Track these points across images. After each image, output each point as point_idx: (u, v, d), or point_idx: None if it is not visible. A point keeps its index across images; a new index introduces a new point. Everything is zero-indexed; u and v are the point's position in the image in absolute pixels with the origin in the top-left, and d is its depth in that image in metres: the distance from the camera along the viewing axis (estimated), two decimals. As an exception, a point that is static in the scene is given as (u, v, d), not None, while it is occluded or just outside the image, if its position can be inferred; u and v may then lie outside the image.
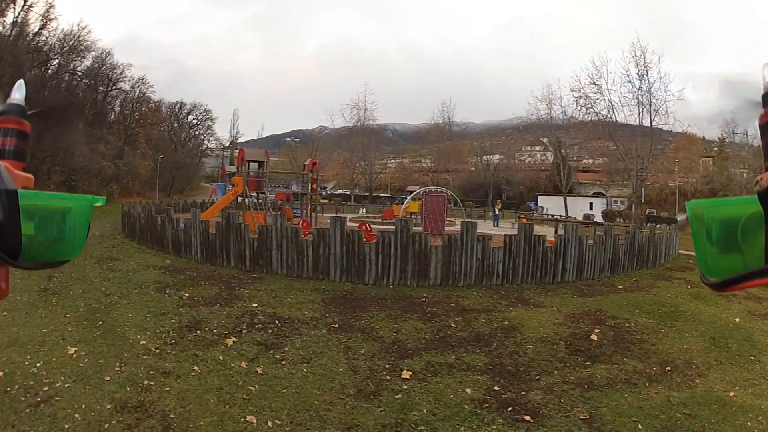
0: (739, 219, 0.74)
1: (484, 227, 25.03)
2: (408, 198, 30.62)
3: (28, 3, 44.90)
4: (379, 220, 31.46)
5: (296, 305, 9.91)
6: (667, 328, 9.26)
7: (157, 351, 7.24)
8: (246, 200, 23.78)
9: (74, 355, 6.90)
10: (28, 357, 6.72)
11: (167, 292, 10.66)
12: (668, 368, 7.16)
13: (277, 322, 8.78)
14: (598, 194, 66.65)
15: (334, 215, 16.43)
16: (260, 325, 8.57)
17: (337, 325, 8.71)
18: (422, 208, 26.15)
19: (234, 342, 7.70)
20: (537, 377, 6.69)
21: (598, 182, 68.15)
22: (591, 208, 59.77)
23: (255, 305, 9.73)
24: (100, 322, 8.48)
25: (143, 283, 11.47)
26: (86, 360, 6.76)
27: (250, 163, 26.17)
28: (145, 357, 6.99)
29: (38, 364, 6.47)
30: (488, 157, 77.70)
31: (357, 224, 20.11)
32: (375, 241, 12.39)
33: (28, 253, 0.75)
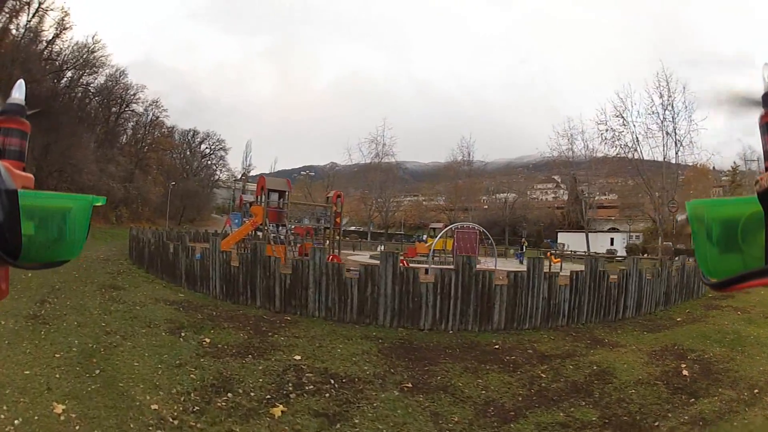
0: (739, 219, 0.76)
1: (509, 265, 26.33)
2: (439, 235, 29.80)
3: (43, 7, 44.58)
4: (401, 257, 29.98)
5: (350, 358, 8.17)
6: (739, 354, 9.27)
7: (176, 423, 5.31)
8: (268, 232, 22.44)
9: (62, 417, 5.22)
10: (5, 408, 5.24)
11: (182, 334, 8.83)
12: (756, 391, 7.31)
13: (332, 381, 6.99)
14: (613, 230, 68.48)
15: (352, 252, 15.69)
16: (311, 386, 6.73)
17: (410, 384, 7.08)
18: (454, 244, 25.89)
19: (283, 412, 5.77)
20: (656, 423, 6.19)
21: (612, 218, 70.29)
22: (612, 244, 61.91)
23: (298, 357, 7.89)
24: (97, 371, 6.70)
25: (152, 321, 9.69)
26: (78, 427, 5.06)
27: (271, 193, 25.08)
28: (158, 432, 5.07)
29: (17, 422, 5.00)
30: (504, 195, 79.75)
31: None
32: (433, 281, 10.98)
33: (28, 253, 0.75)
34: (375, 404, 6.29)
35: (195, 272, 14.18)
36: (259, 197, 24.94)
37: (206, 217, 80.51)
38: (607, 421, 6.17)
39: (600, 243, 60.74)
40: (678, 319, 12.72)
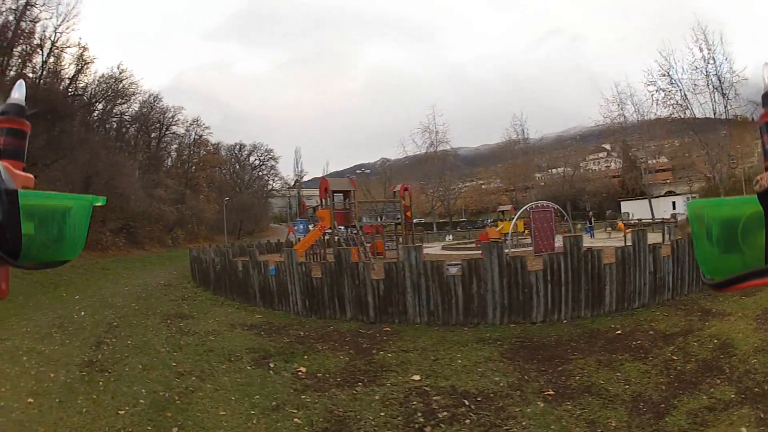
0: (739, 219, 0.76)
1: (585, 241, 24.90)
2: (516, 216, 29.39)
3: (58, 45, 45.34)
4: (473, 245, 30.75)
5: (474, 369, 7.38)
6: (833, 309, 9.07)
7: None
8: (337, 235, 22.72)
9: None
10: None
11: (271, 365, 7.84)
12: None
13: (465, 402, 6.16)
14: (670, 193, 68.95)
15: (421, 245, 15.74)
16: (445, 413, 5.80)
17: (551, 392, 6.71)
18: (531, 225, 25.22)
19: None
20: (782, 392, 6.09)
21: (667, 181, 71.79)
22: (674, 207, 60.68)
23: (417, 378, 6.94)
24: (175, 429, 5.64)
25: (232, 353, 8.71)
26: None
27: (335, 195, 24.99)
28: None
29: None
30: (561, 169, 79.81)
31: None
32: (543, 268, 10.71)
33: (28, 253, 0.75)
34: (524, 423, 5.72)
35: (271, 288, 13.56)
36: (323, 200, 24.77)
37: (265, 227, 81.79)
38: (744, 396, 6.18)
39: (662, 208, 60.82)
40: (763, 279, 12.51)
